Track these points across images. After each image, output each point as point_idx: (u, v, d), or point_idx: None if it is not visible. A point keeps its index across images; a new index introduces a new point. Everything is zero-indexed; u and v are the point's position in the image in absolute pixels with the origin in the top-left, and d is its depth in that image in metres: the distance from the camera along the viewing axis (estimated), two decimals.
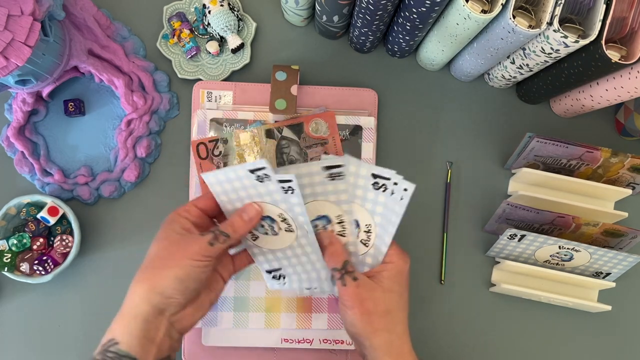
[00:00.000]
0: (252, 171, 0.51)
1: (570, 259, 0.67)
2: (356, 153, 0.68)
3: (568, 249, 0.65)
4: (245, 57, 0.71)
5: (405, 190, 0.53)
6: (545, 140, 0.65)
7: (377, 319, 0.53)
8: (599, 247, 0.66)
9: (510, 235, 0.65)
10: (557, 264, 0.68)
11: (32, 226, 0.66)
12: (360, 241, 0.57)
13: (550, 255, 0.67)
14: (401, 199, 0.53)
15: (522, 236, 0.64)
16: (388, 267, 0.56)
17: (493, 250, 0.69)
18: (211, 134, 0.68)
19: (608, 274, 0.68)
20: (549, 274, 0.68)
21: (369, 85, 0.72)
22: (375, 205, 0.55)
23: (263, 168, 0.50)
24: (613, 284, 0.68)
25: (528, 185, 0.71)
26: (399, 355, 0.54)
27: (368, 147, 0.69)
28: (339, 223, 0.57)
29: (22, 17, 0.55)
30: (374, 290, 0.54)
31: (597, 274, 0.69)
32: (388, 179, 0.53)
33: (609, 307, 0.68)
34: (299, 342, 0.67)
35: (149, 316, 0.50)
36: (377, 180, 0.54)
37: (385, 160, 0.72)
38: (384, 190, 0.54)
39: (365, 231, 0.57)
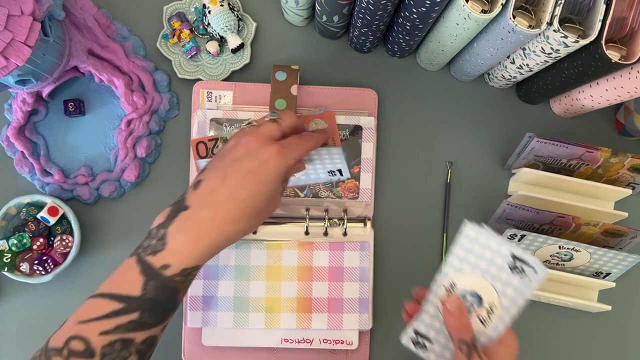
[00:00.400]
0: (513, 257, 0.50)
1: (570, 259, 0.67)
2: (356, 153, 0.69)
3: (568, 249, 0.65)
4: (245, 57, 0.71)
5: (537, 273, 0.50)
6: (545, 140, 0.65)
7: None
8: (599, 247, 0.66)
9: (510, 236, 0.65)
10: (557, 264, 0.68)
11: (32, 226, 0.66)
12: (479, 318, 0.53)
13: (550, 255, 0.67)
14: (531, 281, 0.51)
15: (522, 236, 0.64)
16: (505, 348, 0.53)
17: None
18: (211, 134, 0.68)
19: (608, 274, 0.68)
20: (549, 274, 0.68)
21: (369, 85, 0.72)
22: (506, 287, 0.52)
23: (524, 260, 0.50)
24: (613, 284, 0.68)
25: (528, 185, 0.71)
26: None
27: (368, 147, 0.69)
28: (486, 307, 0.54)
29: (22, 17, 0.55)
30: None
31: (597, 274, 0.69)
32: (528, 264, 0.51)
33: (609, 307, 0.68)
34: (299, 342, 0.67)
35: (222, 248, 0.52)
36: (517, 263, 0.51)
37: (385, 161, 0.72)
38: (519, 273, 0.52)
39: (487, 310, 0.54)
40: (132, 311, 0.48)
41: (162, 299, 0.49)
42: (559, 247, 0.65)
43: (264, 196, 0.51)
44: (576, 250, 0.65)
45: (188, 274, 0.50)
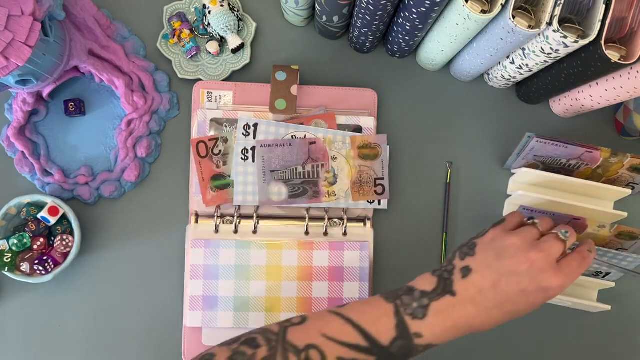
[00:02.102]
0: None
1: None
2: None
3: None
4: (245, 57, 0.71)
5: None
6: (544, 140, 0.65)
7: None
8: (612, 249, 0.66)
9: None
10: None
11: (32, 226, 0.66)
12: None
13: None
14: None
15: None
16: None
17: None
18: (211, 134, 0.68)
19: (608, 274, 0.68)
20: None
21: (369, 85, 0.72)
22: None
23: None
24: (613, 284, 0.68)
25: (528, 185, 0.71)
26: None
27: None
28: None
29: (22, 17, 0.56)
30: None
31: (596, 274, 0.69)
32: None
33: (608, 307, 0.68)
34: None
35: None
36: None
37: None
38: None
39: None
40: (372, 355, 0.50)
41: (398, 357, 0.50)
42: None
43: (525, 312, 0.52)
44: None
45: (427, 349, 0.51)
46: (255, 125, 0.67)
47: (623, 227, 0.65)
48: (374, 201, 0.68)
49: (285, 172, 0.67)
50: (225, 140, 0.68)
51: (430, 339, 0.50)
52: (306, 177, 0.68)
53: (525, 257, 0.51)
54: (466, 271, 0.52)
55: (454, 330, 0.51)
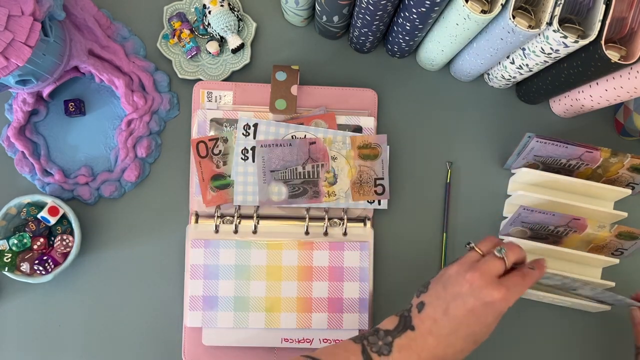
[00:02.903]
0: None
1: (574, 290, 0.66)
2: None
3: (572, 284, 0.64)
4: (245, 57, 0.71)
5: None
6: (544, 140, 0.65)
7: None
8: (614, 252, 0.67)
9: None
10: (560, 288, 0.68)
11: (32, 226, 0.66)
12: None
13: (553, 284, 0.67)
14: None
15: None
16: None
17: None
18: (211, 134, 0.68)
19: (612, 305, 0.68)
20: (550, 250, 0.68)
21: (369, 85, 0.72)
22: None
23: None
24: (608, 307, 0.68)
25: (528, 185, 0.71)
26: None
27: None
28: None
29: (22, 17, 0.56)
30: None
31: (591, 299, 0.69)
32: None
33: (608, 307, 0.68)
34: (299, 342, 0.67)
35: None
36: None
37: None
38: None
39: None
40: None
41: None
42: (562, 284, 0.65)
43: (483, 333, 0.54)
44: (580, 289, 0.64)
45: None
46: (255, 125, 0.68)
47: (623, 227, 0.65)
48: (374, 201, 0.68)
49: (285, 172, 0.67)
50: (225, 140, 0.68)
51: None
52: (306, 177, 0.68)
53: (464, 278, 0.53)
54: (421, 306, 0.55)
55: None
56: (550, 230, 0.68)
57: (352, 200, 0.68)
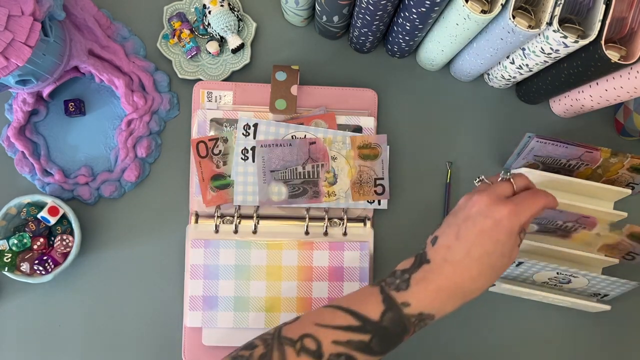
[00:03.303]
0: None
1: (568, 282, 0.67)
2: None
3: (566, 274, 0.65)
4: (245, 57, 0.71)
5: None
6: (544, 140, 0.65)
7: None
8: (626, 255, 0.67)
9: None
10: (555, 285, 0.68)
11: (32, 226, 0.66)
12: None
13: (548, 279, 0.67)
14: None
15: (520, 262, 0.65)
16: None
17: None
18: (211, 134, 0.68)
19: (606, 295, 0.68)
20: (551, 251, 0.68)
21: (369, 85, 0.72)
22: None
23: None
24: (608, 307, 0.68)
25: None
26: None
27: None
28: None
29: (22, 18, 0.56)
30: None
31: (594, 295, 0.69)
32: None
33: (608, 307, 0.68)
34: None
35: None
36: None
37: None
38: None
39: None
40: (366, 332, 0.51)
41: (393, 332, 0.52)
42: (557, 273, 0.65)
43: (498, 253, 0.53)
44: (574, 277, 0.65)
45: (422, 320, 0.53)
46: (255, 125, 0.68)
47: (636, 228, 0.64)
48: (374, 201, 0.68)
49: (285, 172, 0.67)
50: (225, 140, 0.68)
51: (418, 305, 0.52)
52: (306, 177, 0.68)
53: (472, 201, 0.54)
54: (434, 240, 0.55)
55: (440, 293, 0.52)
56: (558, 225, 0.67)
57: (352, 200, 0.68)
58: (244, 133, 0.67)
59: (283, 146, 0.67)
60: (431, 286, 0.52)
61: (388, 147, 0.69)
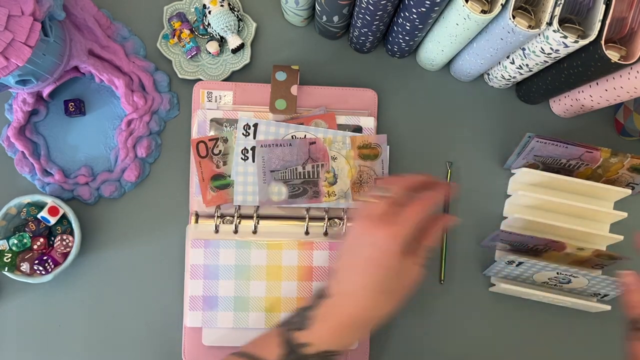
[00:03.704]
0: None
1: (568, 282, 0.67)
2: None
3: (566, 274, 0.65)
4: (245, 57, 0.71)
5: None
6: (544, 140, 0.65)
7: None
8: (594, 266, 0.67)
9: (508, 261, 0.65)
10: (555, 285, 0.68)
11: (32, 226, 0.66)
12: None
13: (548, 278, 0.67)
14: None
15: (520, 263, 0.65)
16: None
17: (490, 271, 0.69)
18: (211, 134, 0.68)
19: (606, 295, 0.68)
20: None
21: (369, 85, 0.72)
22: None
23: None
24: (608, 307, 0.68)
25: (528, 185, 0.71)
26: None
27: None
28: None
29: (22, 17, 0.56)
30: None
31: (594, 295, 0.69)
32: None
33: (608, 307, 0.68)
34: None
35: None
36: None
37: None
38: None
39: None
40: None
41: None
42: (557, 273, 0.65)
43: (390, 278, 0.53)
44: (574, 276, 0.65)
45: (326, 357, 0.52)
46: (255, 125, 0.68)
47: (601, 251, 0.66)
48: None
49: (285, 172, 0.67)
50: (225, 140, 0.68)
51: (320, 344, 0.52)
52: (306, 177, 0.68)
53: (353, 229, 0.55)
54: (333, 274, 0.55)
55: (340, 327, 0.52)
56: (529, 247, 0.68)
57: (352, 200, 0.68)
58: (244, 133, 0.67)
59: (283, 146, 0.67)
60: (331, 322, 0.52)
61: (388, 147, 0.69)
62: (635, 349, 0.54)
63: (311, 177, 0.68)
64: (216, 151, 0.68)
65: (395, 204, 0.54)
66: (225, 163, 0.68)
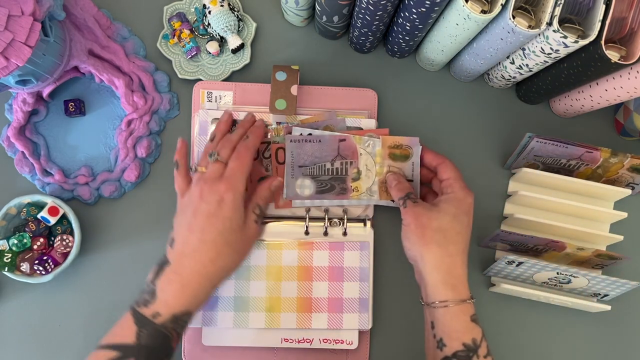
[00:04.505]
0: None
1: (568, 282, 0.67)
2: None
3: (566, 274, 0.65)
4: (245, 57, 0.71)
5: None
6: (544, 140, 0.65)
7: (429, 232, 0.59)
8: (595, 266, 0.67)
9: (508, 261, 0.65)
10: (555, 285, 0.68)
11: (32, 226, 0.66)
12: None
13: (548, 279, 0.67)
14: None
15: (520, 263, 0.65)
16: (448, 194, 0.62)
17: (490, 271, 0.69)
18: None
19: (606, 295, 0.69)
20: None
21: (369, 85, 0.72)
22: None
23: None
24: (608, 307, 0.68)
25: (528, 185, 0.71)
26: (449, 273, 0.58)
27: None
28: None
29: (22, 18, 0.56)
30: (429, 210, 0.60)
31: (594, 295, 0.69)
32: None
33: (608, 307, 0.68)
34: (299, 342, 0.67)
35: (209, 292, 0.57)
36: None
37: None
38: None
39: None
40: (128, 358, 0.52)
41: (156, 346, 0.53)
42: (557, 273, 0.65)
43: (231, 229, 0.57)
44: (574, 276, 0.65)
45: (178, 320, 0.55)
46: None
47: (601, 251, 0.66)
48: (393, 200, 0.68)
49: (314, 168, 0.67)
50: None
51: (168, 310, 0.54)
52: (334, 173, 0.67)
53: (191, 194, 0.58)
54: (171, 242, 0.58)
55: (185, 288, 0.55)
56: (529, 247, 0.68)
57: (380, 198, 0.67)
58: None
59: (312, 142, 0.67)
60: (175, 286, 0.55)
61: (420, 148, 0.68)
62: (409, 213, 0.61)
63: (339, 173, 0.67)
64: (267, 155, 0.67)
65: (222, 163, 0.59)
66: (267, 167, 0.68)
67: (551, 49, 0.57)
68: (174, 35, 0.70)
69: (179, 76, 0.70)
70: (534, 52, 0.59)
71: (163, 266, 0.56)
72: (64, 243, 0.66)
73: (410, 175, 0.68)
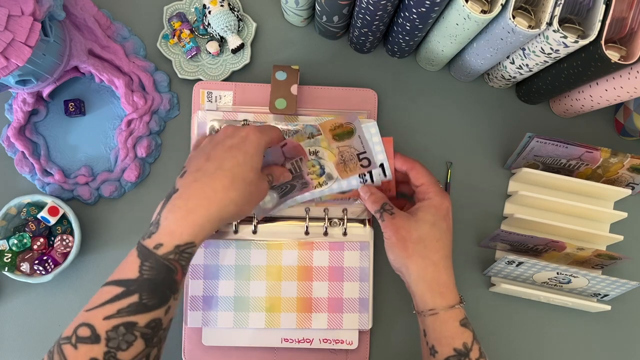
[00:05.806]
0: None
1: (568, 282, 0.67)
2: None
3: (566, 274, 0.65)
4: (245, 57, 0.71)
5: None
6: (544, 140, 0.65)
7: (410, 244, 0.59)
8: (595, 266, 0.67)
9: (508, 261, 0.65)
10: (555, 285, 0.69)
11: (32, 226, 0.66)
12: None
13: (548, 279, 0.67)
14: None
15: (520, 262, 0.65)
16: (424, 202, 0.61)
17: (490, 271, 0.69)
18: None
19: (606, 295, 0.69)
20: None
21: (369, 85, 0.72)
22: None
23: None
24: (608, 307, 0.68)
25: (528, 185, 0.71)
26: (434, 281, 0.58)
27: None
28: None
29: (22, 18, 0.56)
30: (408, 220, 0.60)
31: (594, 295, 0.69)
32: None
33: (608, 307, 0.68)
34: (299, 342, 0.67)
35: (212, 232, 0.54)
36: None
37: None
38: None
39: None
40: (132, 293, 0.50)
41: (159, 279, 0.51)
42: (557, 273, 0.65)
43: (249, 165, 0.54)
44: (574, 276, 0.65)
45: (182, 252, 0.52)
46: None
47: (601, 251, 0.66)
48: (364, 175, 0.66)
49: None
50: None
51: (171, 240, 0.51)
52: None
53: (219, 132, 0.58)
54: (182, 173, 0.55)
55: (190, 215, 0.52)
56: (529, 247, 0.68)
57: (342, 178, 0.66)
58: None
59: None
60: (180, 213, 0.52)
61: (361, 121, 0.66)
62: (388, 227, 0.60)
63: (294, 172, 0.66)
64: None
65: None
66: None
67: (551, 49, 0.57)
68: (174, 35, 0.70)
69: (179, 76, 0.70)
70: (534, 52, 0.59)
71: (170, 195, 0.54)
72: (64, 243, 0.66)
73: (361, 148, 0.66)
